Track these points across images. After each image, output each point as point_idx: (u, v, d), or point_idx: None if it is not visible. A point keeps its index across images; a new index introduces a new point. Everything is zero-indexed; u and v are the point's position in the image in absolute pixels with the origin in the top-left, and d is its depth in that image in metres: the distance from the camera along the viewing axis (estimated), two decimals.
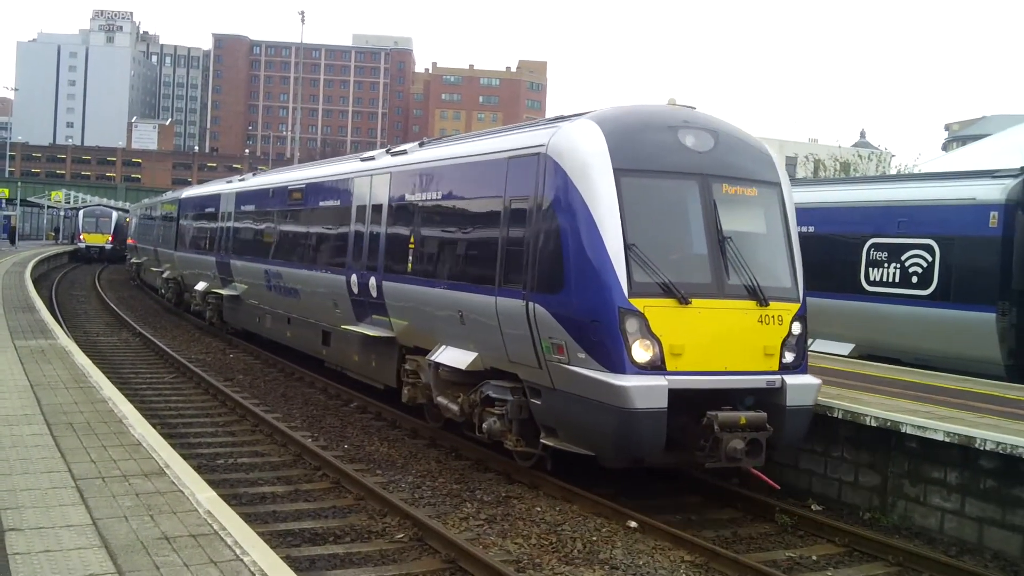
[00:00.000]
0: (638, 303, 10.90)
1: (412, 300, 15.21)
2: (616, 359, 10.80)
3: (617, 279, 10.90)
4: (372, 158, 18.16)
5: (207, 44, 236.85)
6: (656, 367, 10.87)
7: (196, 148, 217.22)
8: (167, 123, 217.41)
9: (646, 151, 11.71)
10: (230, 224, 26.96)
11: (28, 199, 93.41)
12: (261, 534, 7.99)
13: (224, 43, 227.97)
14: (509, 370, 12.62)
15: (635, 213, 11.24)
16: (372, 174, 17.34)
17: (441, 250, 14.60)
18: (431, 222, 14.93)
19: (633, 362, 10.78)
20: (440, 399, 14.28)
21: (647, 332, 10.86)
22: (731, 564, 9.76)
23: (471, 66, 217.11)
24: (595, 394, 10.88)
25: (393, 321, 16.00)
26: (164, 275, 37.92)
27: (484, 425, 12.92)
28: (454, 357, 13.69)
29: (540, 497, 12.20)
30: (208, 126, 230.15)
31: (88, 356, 17.34)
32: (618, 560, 9.98)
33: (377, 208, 16.75)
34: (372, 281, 16.52)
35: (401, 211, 15.86)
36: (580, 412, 11.23)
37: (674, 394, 10.73)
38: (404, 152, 16.63)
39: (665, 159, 11.74)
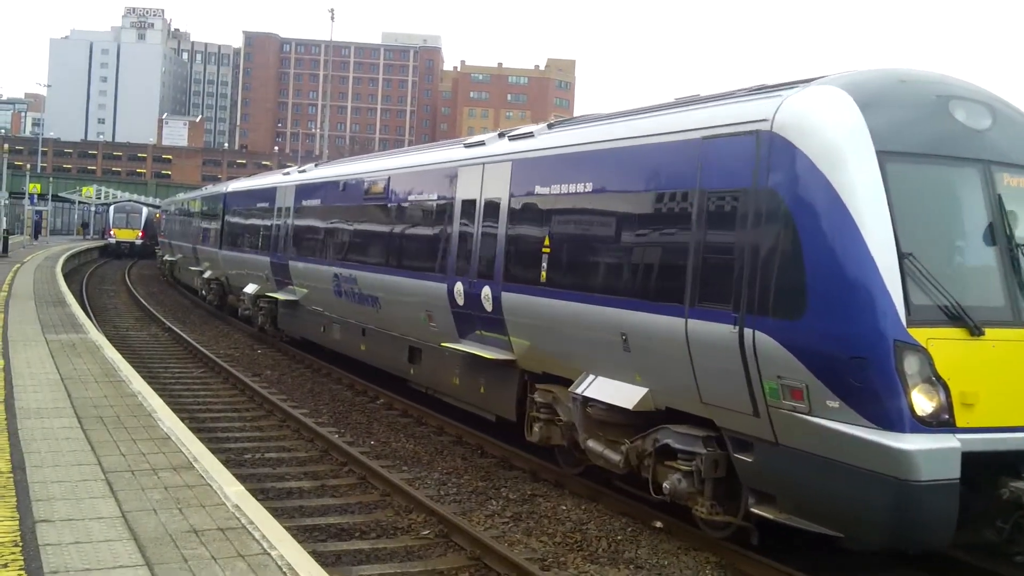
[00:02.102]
0: (919, 334, 8.28)
1: (545, 317, 12.33)
2: (891, 411, 8.18)
3: (890, 301, 8.29)
4: (480, 143, 15.12)
5: (237, 42, 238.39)
6: (943, 422, 8.27)
7: (226, 145, 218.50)
8: (197, 120, 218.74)
9: (915, 128, 9.03)
10: (288, 221, 24.04)
11: (59, 195, 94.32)
12: (288, 528, 8.05)
13: (254, 41, 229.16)
14: (699, 413, 9.89)
15: (908, 212, 8.65)
16: (484, 163, 14.36)
17: (594, 257, 11.60)
18: (577, 221, 12.01)
19: (914, 415, 8.18)
20: (591, 444, 11.37)
21: (932, 374, 8.27)
22: (756, 566, 9.72)
23: (499, 64, 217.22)
24: (854, 457, 8.29)
25: (514, 341, 13.21)
26: (205, 275, 35.25)
27: (665, 485, 10.01)
28: (613, 392, 10.93)
29: (565, 496, 12.20)
30: (238, 123, 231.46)
31: (118, 350, 17.51)
32: (643, 560, 9.96)
33: (492, 204, 13.84)
34: (486, 292, 13.62)
35: (528, 207, 13.00)
36: (824, 480, 8.58)
37: (967, 458, 8.18)
38: (529, 135, 13.68)
39: (939, 139, 9.05)
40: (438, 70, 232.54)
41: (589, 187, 11.73)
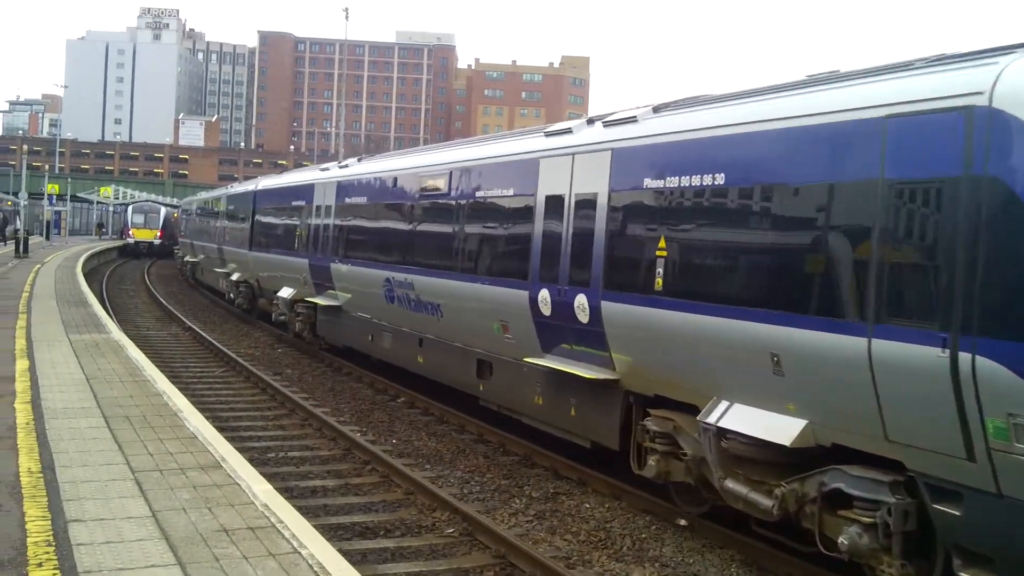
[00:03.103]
0: None
1: (662, 332, 10.55)
2: None
3: None
4: (565, 131, 13.38)
5: (252, 41, 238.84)
6: None
7: (242, 144, 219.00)
8: (213, 120, 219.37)
9: None
10: (329, 220, 22.19)
11: (77, 195, 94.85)
12: (314, 527, 8.08)
13: (269, 40, 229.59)
14: (882, 453, 8.23)
15: None
16: (574, 153, 12.68)
17: (730, 261, 9.89)
18: (705, 219, 10.19)
19: None
20: (730, 484, 9.64)
21: None
22: (784, 563, 9.70)
23: (514, 62, 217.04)
24: None
25: (617, 358, 11.52)
26: (233, 277, 33.36)
27: (842, 539, 8.32)
28: (759, 423, 9.24)
29: (589, 494, 12.21)
30: (253, 123, 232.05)
31: (140, 350, 17.60)
32: (668, 558, 9.97)
33: (586, 200, 12.13)
34: (580, 301, 11.98)
35: (636, 204, 11.27)
36: None
37: None
38: (631, 121, 11.82)
39: None
40: (452, 68, 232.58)
41: (720, 179, 9.89)
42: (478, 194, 15.27)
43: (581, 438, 12.81)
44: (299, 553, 6.83)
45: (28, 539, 6.81)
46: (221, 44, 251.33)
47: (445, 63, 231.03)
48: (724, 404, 9.73)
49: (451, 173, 16.28)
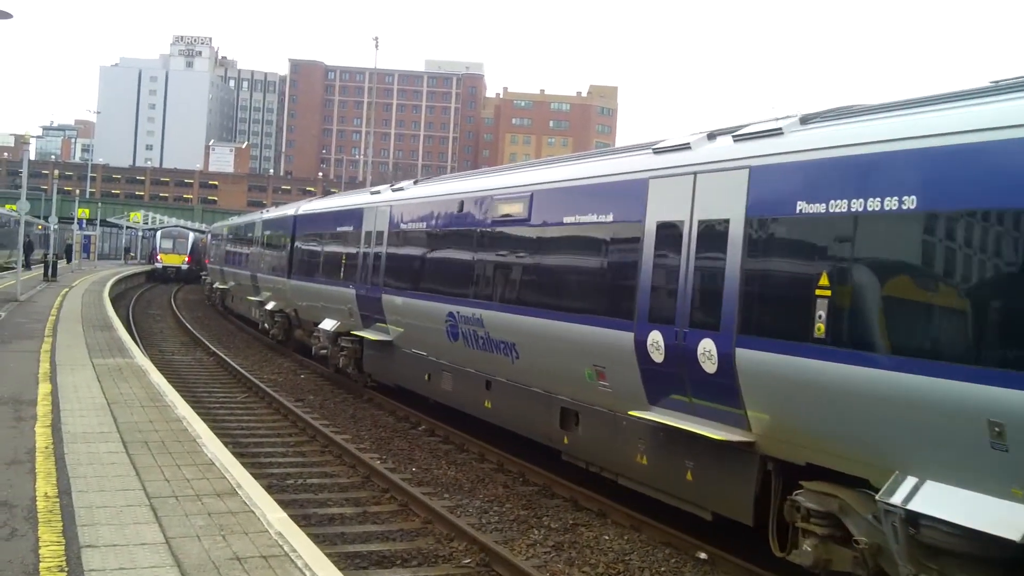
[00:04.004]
0: None
1: (821, 386, 8.76)
2: None
3: None
4: (682, 147, 11.42)
5: (283, 69, 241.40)
6: None
7: (271, 171, 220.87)
8: (243, 146, 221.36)
9: None
10: (381, 248, 20.39)
11: (107, 219, 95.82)
12: (329, 555, 8.05)
13: (300, 68, 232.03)
14: None
15: None
16: (696, 172, 10.84)
17: (928, 306, 8.03)
18: (890, 253, 8.39)
19: None
20: None
21: None
22: None
23: (542, 91, 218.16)
24: None
25: (754, 416, 9.72)
26: (268, 307, 31.79)
27: None
28: (972, 510, 7.42)
29: (608, 525, 12.08)
30: (283, 149, 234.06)
31: (163, 375, 17.66)
32: None
33: (714, 227, 10.31)
34: (706, 346, 10.15)
35: (785, 233, 9.48)
36: None
37: None
38: (775, 134, 10.04)
39: None
40: (480, 96, 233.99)
41: (911, 203, 8.07)
42: (567, 219, 13.40)
43: (699, 508, 10.94)
44: None
45: (40, 564, 6.79)
46: (252, 72, 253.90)
47: (473, 92, 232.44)
48: (911, 481, 7.92)
49: (532, 196, 14.40)
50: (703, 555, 10.81)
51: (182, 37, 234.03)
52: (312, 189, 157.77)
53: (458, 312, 16.12)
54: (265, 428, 17.90)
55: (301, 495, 12.97)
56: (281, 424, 18.46)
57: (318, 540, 9.96)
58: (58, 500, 8.49)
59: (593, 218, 12.74)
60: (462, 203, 16.85)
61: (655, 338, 10.95)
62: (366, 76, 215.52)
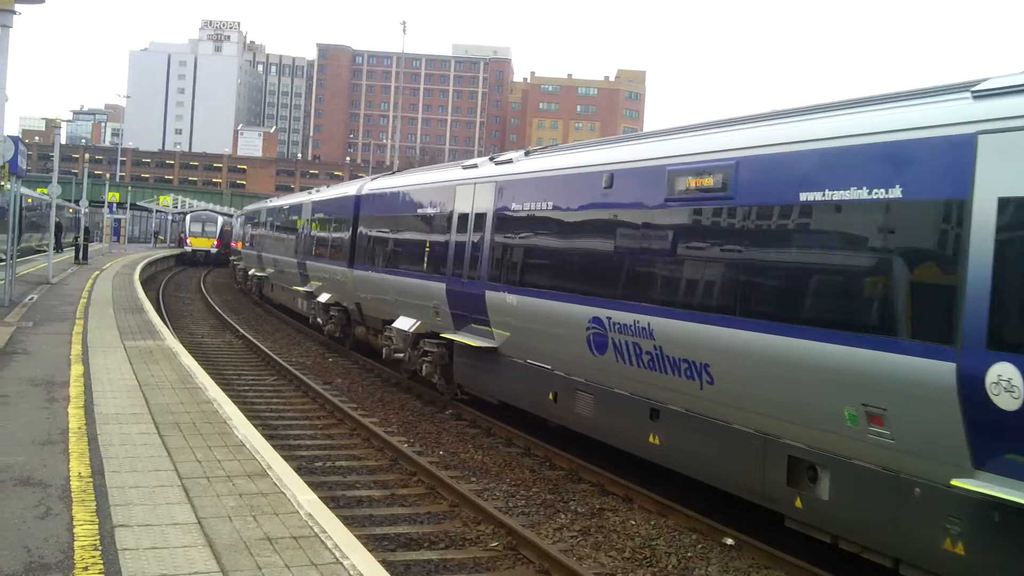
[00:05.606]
0: None
1: None
2: None
3: None
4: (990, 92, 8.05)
5: (311, 54, 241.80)
6: None
7: (299, 155, 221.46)
8: (271, 131, 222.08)
9: None
10: (482, 234, 16.66)
11: (137, 203, 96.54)
12: (358, 538, 8.10)
13: (327, 53, 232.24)
14: None
15: None
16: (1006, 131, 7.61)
17: None
18: None
19: None
20: None
21: None
22: None
23: (569, 75, 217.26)
24: None
25: None
26: (321, 299, 27.99)
27: None
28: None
29: (634, 510, 12.10)
30: (311, 134, 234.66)
31: (193, 357, 17.81)
32: None
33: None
34: None
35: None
36: None
37: None
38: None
39: None
40: (508, 81, 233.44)
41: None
42: (803, 196, 9.55)
43: None
44: (341, 564, 6.83)
45: (75, 543, 6.90)
46: (280, 56, 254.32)
47: (500, 76, 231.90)
48: None
49: (737, 166, 10.61)
50: (729, 541, 10.80)
51: (211, 22, 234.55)
52: (340, 173, 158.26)
53: (609, 318, 12.65)
54: (294, 411, 18.03)
55: (330, 477, 13.07)
56: (310, 407, 18.59)
57: (347, 522, 10.00)
58: (91, 480, 8.60)
59: (842, 195, 9.07)
60: (611, 177, 13.15)
61: (1005, 375, 7.41)
62: (393, 61, 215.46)
